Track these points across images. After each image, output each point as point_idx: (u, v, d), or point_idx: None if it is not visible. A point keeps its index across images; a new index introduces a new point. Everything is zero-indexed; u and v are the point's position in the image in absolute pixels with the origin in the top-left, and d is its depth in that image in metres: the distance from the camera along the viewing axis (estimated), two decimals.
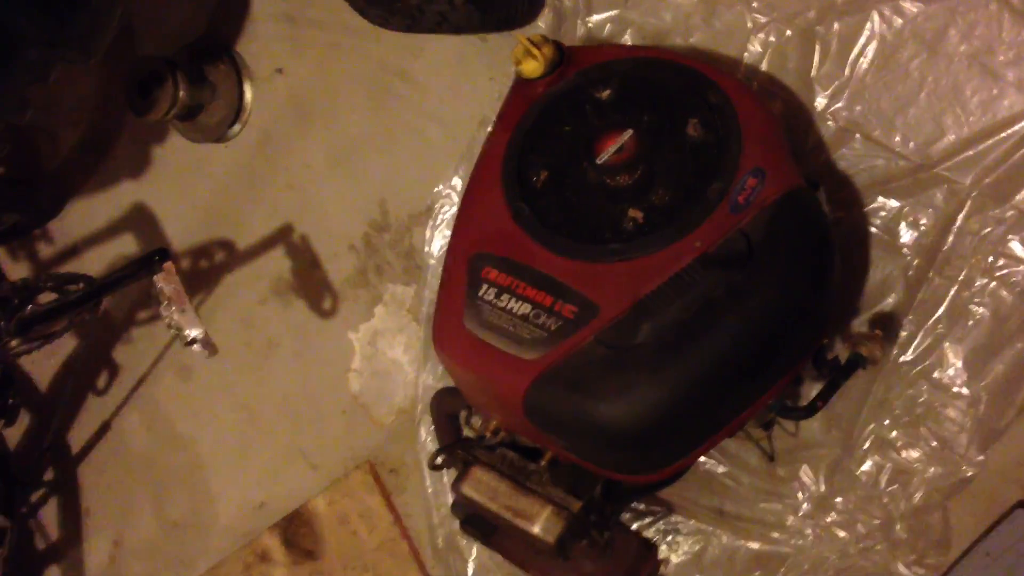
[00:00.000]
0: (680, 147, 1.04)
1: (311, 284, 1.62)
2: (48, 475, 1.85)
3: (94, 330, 1.82)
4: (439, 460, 1.17)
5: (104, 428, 1.82)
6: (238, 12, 1.65)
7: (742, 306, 0.95)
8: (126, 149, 1.78)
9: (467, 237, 1.11)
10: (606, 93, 1.11)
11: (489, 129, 1.17)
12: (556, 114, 1.12)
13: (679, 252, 0.97)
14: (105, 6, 1.41)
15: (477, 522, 1.13)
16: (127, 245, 1.78)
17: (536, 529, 1.05)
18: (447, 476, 1.44)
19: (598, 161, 1.03)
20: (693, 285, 0.95)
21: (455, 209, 1.44)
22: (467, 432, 1.21)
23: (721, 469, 1.29)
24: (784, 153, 1.06)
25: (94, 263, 1.80)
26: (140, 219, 1.77)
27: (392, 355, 1.55)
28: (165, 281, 1.35)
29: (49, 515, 1.85)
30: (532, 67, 1.13)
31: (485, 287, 1.04)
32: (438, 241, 1.47)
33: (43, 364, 1.86)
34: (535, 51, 1.12)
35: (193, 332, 1.34)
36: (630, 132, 1.03)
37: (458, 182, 1.44)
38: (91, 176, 1.81)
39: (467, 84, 1.47)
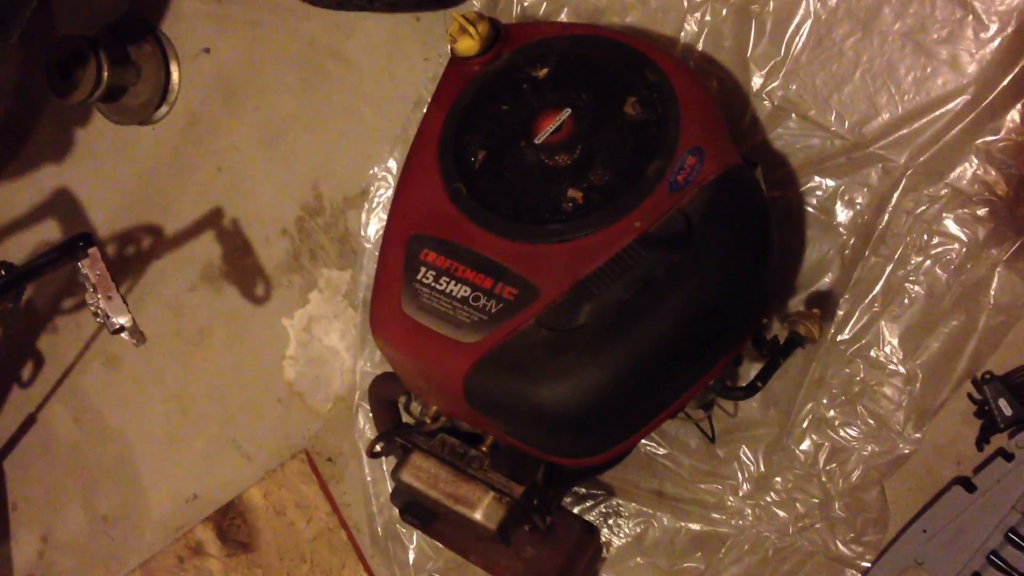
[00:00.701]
0: (619, 126, 1.03)
1: (243, 270, 1.58)
2: None
3: (17, 319, 1.76)
4: (378, 447, 1.15)
5: (30, 420, 1.77)
6: None
7: (682, 286, 0.94)
8: (47, 132, 1.73)
9: (404, 219, 1.09)
10: (543, 71, 1.09)
11: (425, 109, 1.15)
12: (493, 93, 1.10)
13: (619, 232, 0.96)
14: None
15: (417, 510, 1.11)
16: (50, 231, 1.73)
17: (477, 515, 1.03)
18: (386, 464, 1.43)
19: (536, 141, 1.02)
20: (633, 266, 0.94)
21: (391, 192, 1.41)
22: (406, 418, 1.19)
23: (661, 451, 1.29)
24: (722, 132, 1.06)
25: (16, 250, 1.74)
26: (63, 204, 1.72)
27: (328, 342, 1.53)
28: (90, 267, 1.32)
29: None
30: (467, 45, 1.11)
31: (423, 270, 1.02)
32: (374, 224, 1.44)
33: None
34: (471, 29, 1.10)
35: (120, 320, 1.31)
36: (568, 111, 1.02)
37: (393, 164, 1.42)
38: (11, 161, 1.75)
39: (401, 63, 1.44)
